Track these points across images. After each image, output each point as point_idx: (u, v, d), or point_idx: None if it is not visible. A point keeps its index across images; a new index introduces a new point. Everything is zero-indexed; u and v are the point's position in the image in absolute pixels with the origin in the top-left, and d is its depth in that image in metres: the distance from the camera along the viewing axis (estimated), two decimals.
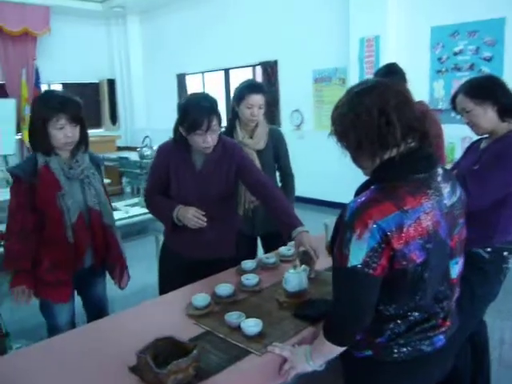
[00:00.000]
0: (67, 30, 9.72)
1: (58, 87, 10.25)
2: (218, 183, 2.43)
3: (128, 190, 9.23)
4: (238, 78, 8.87)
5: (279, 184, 3.21)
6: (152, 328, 1.80)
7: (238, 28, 8.31)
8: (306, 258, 2.20)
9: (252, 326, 1.71)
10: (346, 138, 1.41)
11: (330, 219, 2.83)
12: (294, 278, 1.92)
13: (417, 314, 1.40)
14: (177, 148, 2.42)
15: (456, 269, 1.46)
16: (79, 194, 2.32)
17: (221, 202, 2.45)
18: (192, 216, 2.31)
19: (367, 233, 1.27)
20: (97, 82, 10.83)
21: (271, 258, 2.46)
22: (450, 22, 5.79)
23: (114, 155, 8.70)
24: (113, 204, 4.28)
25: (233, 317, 1.78)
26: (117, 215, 3.81)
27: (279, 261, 2.47)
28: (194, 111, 2.24)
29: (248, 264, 2.35)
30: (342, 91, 5.18)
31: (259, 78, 8.20)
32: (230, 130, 3.00)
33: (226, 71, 8.99)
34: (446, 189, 1.40)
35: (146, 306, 2.10)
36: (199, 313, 1.88)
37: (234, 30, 8.37)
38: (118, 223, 3.70)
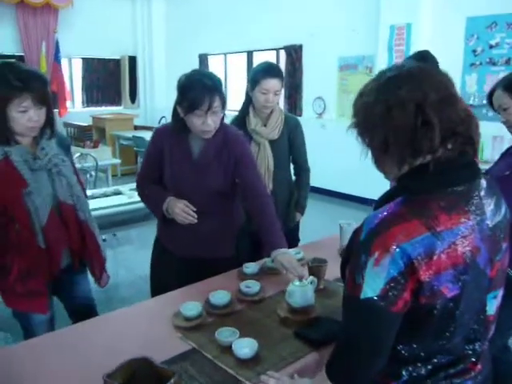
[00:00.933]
0: (90, 4, 9.47)
1: (78, 61, 10.11)
2: (216, 175, 2.18)
3: None
4: (262, 61, 8.56)
5: (293, 177, 2.97)
6: (132, 340, 1.59)
7: (263, 9, 7.99)
8: (315, 267, 1.95)
9: (245, 347, 1.47)
10: (370, 135, 1.13)
11: (346, 222, 2.60)
12: (299, 292, 1.68)
13: (442, 356, 1.15)
14: (174, 132, 2.18)
15: (494, 304, 1.19)
16: (48, 188, 1.99)
17: (219, 195, 2.21)
18: (180, 211, 2.08)
19: (388, 258, 1.01)
20: (118, 58, 10.59)
21: None
22: (487, 12, 5.42)
23: (131, 134, 8.51)
24: (117, 187, 4.12)
25: (224, 334, 1.54)
26: (120, 200, 3.63)
27: None
28: (195, 89, 1.99)
29: (250, 268, 2.11)
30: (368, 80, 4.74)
31: (283, 62, 7.91)
32: (243, 116, 2.75)
33: (249, 53, 8.69)
34: (489, 206, 1.12)
35: (130, 311, 1.87)
36: (187, 325, 1.64)
37: (259, 12, 8.05)
38: (121, 208, 3.52)
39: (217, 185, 2.19)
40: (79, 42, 9.52)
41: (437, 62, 2.81)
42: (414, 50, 5.87)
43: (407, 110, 1.04)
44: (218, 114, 2.06)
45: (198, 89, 1.99)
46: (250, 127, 2.69)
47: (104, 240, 4.81)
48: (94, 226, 2.20)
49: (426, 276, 1.01)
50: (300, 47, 7.52)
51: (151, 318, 1.76)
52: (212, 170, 2.18)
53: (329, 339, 1.53)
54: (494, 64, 5.47)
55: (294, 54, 7.59)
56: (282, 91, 2.75)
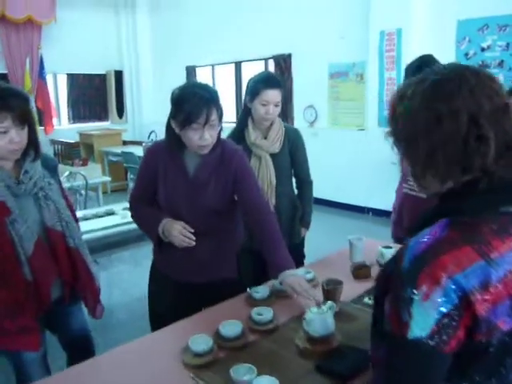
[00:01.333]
0: (74, 19, 9.28)
1: (63, 77, 9.94)
2: (213, 193, 2.04)
3: (132, 186, 8.89)
4: (250, 71, 8.49)
5: (295, 191, 2.85)
6: (140, 382, 1.43)
7: (250, 19, 7.89)
8: (331, 289, 1.82)
9: None
10: (411, 146, 0.99)
11: (356, 236, 2.48)
12: (318, 320, 1.53)
13: None
14: (168, 149, 2.04)
15: None
16: (35, 214, 1.85)
17: (217, 214, 2.07)
18: (178, 233, 1.94)
19: (438, 292, 0.88)
20: (104, 73, 10.43)
21: None
22: (479, 15, 5.37)
23: (119, 150, 8.34)
24: (109, 207, 3.96)
25: (241, 372, 1.39)
26: (113, 220, 3.47)
27: None
28: (191, 101, 1.86)
29: (259, 292, 1.96)
30: (359, 87, 4.77)
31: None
32: (241, 129, 2.62)
33: (238, 64, 8.59)
34: None
35: (133, 348, 1.69)
36: (198, 362, 1.49)
37: (247, 21, 7.96)
38: (114, 230, 3.35)
39: (214, 204, 2.05)
40: (64, 57, 9.35)
41: None
42: (405, 55, 5.82)
43: (459, 121, 0.90)
44: (215, 128, 1.93)
45: (194, 101, 1.86)
46: (250, 140, 2.56)
47: (96, 262, 4.66)
48: (85, 253, 2.04)
49: (482, 310, 0.88)
50: (289, 56, 7.43)
51: (158, 355, 1.60)
52: (209, 189, 2.04)
53: (356, 372, 1.40)
54: (487, 67, 5.41)
55: (283, 63, 7.49)
56: None
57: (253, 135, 2.56)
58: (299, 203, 2.78)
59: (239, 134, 2.61)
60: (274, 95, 2.47)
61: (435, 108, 0.93)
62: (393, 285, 0.96)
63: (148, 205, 2.13)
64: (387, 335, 0.97)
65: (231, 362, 1.46)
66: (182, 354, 1.55)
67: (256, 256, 2.61)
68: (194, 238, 1.95)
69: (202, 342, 1.54)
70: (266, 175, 2.57)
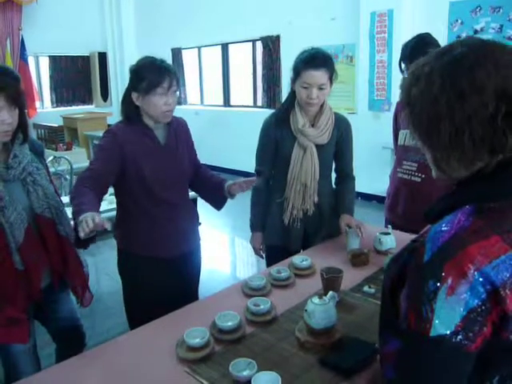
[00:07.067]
0: None
1: (45, 60, 9.69)
2: (184, 158, 2.15)
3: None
4: (237, 53, 8.34)
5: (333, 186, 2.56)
6: (133, 379, 1.35)
7: None
8: (331, 278, 1.74)
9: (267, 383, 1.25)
10: (432, 129, 0.90)
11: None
12: (320, 311, 1.45)
13: None
14: (133, 128, 2.02)
15: None
16: (24, 200, 1.75)
17: (187, 183, 2.23)
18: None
19: (465, 285, 0.80)
20: (87, 55, 10.19)
21: (283, 271, 1.98)
22: None
23: None
24: None
25: (240, 366, 1.31)
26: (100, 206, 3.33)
27: (293, 274, 2.00)
28: (154, 69, 1.95)
29: (256, 281, 1.87)
30: (349, 70, 4.53)
31: (259, 55, 7.67)
32: (285, 110, 2.34)
33: (225, 46, 8.42)
34: None
35: (123, 343, 1.59)
36: (194, 356, 1.40)
37: (234, 1, 7.78)
38: (102, 216, 3.21)
39: (187, 168, 2.18)
40: (45, 39, 9.11)
41: (439, 46, 2.62)
42: (396, 37, 5.72)
43: (485, 97, 0.82)
44: (175, 97, 2.01)
45: (156, 68, 1.96)
46: (297, 126, 2.28)
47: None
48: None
49: None
50: (277, 38, 7.29)
51: (151, 349, 1.50)
52: (179, 154, 2.13)
53: (361, 366, 1.33)
54: None
55: (271, 44, 7.36)
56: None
57: (300, 121, 2.27)
58: (340, 194, 2.49)
59: (283, 115, 2.33)
60: (316, 77, 2.15)
61: (458, 84, 0.84)
62: (410, 278, 0.88)
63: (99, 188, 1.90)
64: (403, 332, 0.89)
65: (228, 356, 1.39)
66: (177, 347, 1.46)
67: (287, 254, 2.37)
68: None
69: (197, 335, 1.46)
70: (310, 169, 2.32)
